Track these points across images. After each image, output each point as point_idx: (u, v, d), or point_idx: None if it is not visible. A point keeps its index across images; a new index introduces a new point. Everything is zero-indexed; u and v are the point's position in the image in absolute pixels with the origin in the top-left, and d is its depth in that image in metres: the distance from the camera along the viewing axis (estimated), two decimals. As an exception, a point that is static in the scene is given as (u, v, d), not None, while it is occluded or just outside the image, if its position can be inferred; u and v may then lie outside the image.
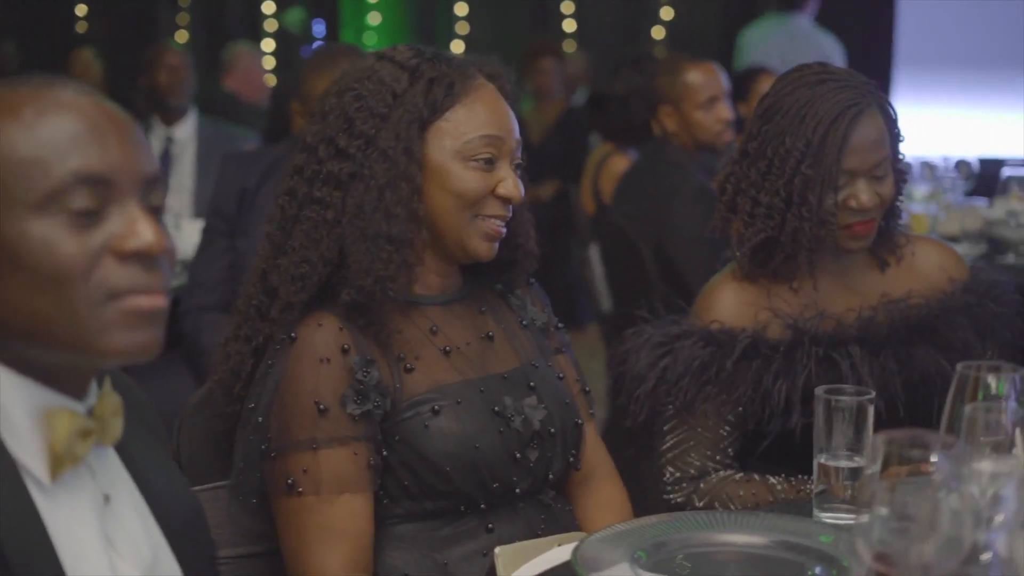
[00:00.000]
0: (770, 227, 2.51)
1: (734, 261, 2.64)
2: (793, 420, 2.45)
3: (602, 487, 2.41)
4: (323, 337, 2.10)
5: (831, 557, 1.90)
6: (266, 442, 2.09)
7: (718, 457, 2.53)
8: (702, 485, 2.52)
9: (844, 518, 2.11)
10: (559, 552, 2.04)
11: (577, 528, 2.29)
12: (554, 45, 8.72)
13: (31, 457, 1.43)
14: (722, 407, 2.50)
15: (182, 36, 10.62)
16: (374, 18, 10.84)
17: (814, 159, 2.47)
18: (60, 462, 1.44)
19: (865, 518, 1.50)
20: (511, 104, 2.25)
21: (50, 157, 1.40)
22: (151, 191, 1.47)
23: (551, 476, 2.27)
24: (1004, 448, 1.77)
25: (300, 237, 2.14)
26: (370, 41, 10.80)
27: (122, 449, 1.57)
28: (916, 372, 2.49)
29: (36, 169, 1.39)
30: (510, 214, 2.22)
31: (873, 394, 2.13)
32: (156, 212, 1.47)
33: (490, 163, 2.18)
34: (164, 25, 10.66)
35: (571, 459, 2.31)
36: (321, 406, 2.07)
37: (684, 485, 2.53)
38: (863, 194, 2.48)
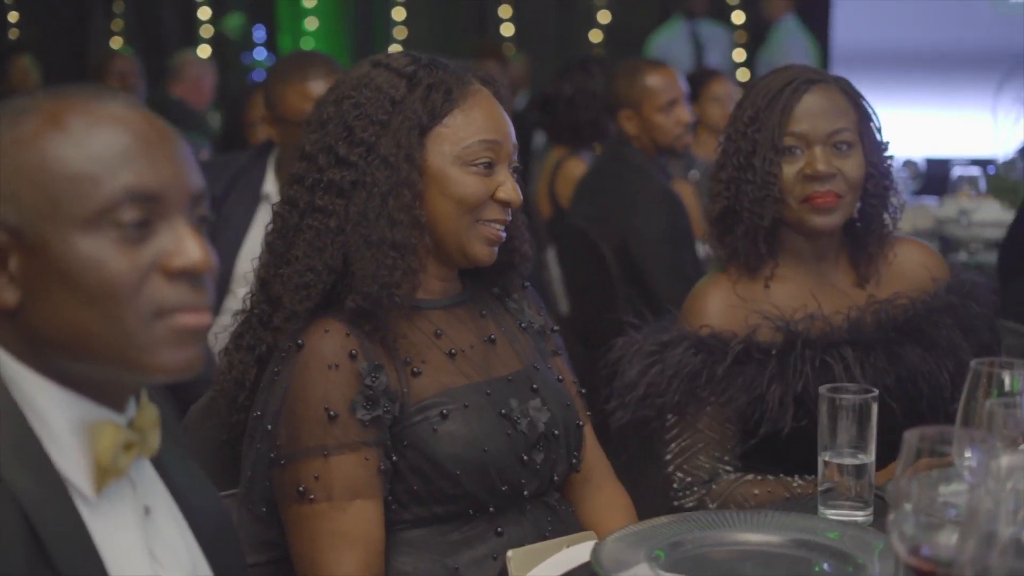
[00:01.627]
0: (725, 197, 2.55)
1: (715, 265, 2.66)
2: (784, 423, 2.47)
3: (604, 488, 2.42)
4: (331, 343, 2.10)
5: (845, 554, 1.93)
6: (275, 450, 2.09)
7: (726, 457, 2.54)
8: (714, 487, 2.52)
9: (849, 515, 2.14)
10: (570, 553, 2.06)
11: (581, 528, 2.30)
12: (497, 48, 8.75)
13: (76, 470, 1.42)
14: (720, 409, 2.52)
15: (116, 42, 10.51)
16: (311, 23, 10.80)
17: (761, 123, 2.52)
18: (105, 475, 1.43)
19: (899, 512, 1.53)
20: (506, 108, 2.27)
21: (101, 173, 1.39)
22: (197, 206, 1.46)
23: (556, 478, 2.28)
24: (1016, 443, 1.80)
25: (303, 246, 2.14)
26: (307, 46, 10.75)
27: (156, 460, 1.57)
28: (906, 371, 2.52)
29: (87, 185, 1.38)
30: (510, 218, 2.24)
31: (876, 392, 2.15)
32: (202, 223, 1.47)
33: (489, 167, 2.19)
34: (98, 31, 10.54)
35: (574, 461, 2.32)
36: (331, 412, 2.07)
37: (696, 489, 2.53)
38: (819, 162, 2.50)
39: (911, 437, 1.54)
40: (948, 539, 1.51)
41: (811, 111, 2.52)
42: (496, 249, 2.24)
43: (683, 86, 4.83)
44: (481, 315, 2.31)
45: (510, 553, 2.06)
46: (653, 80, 4.76)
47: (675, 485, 2.55)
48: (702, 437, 2.54)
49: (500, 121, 2.22)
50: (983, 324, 2.64)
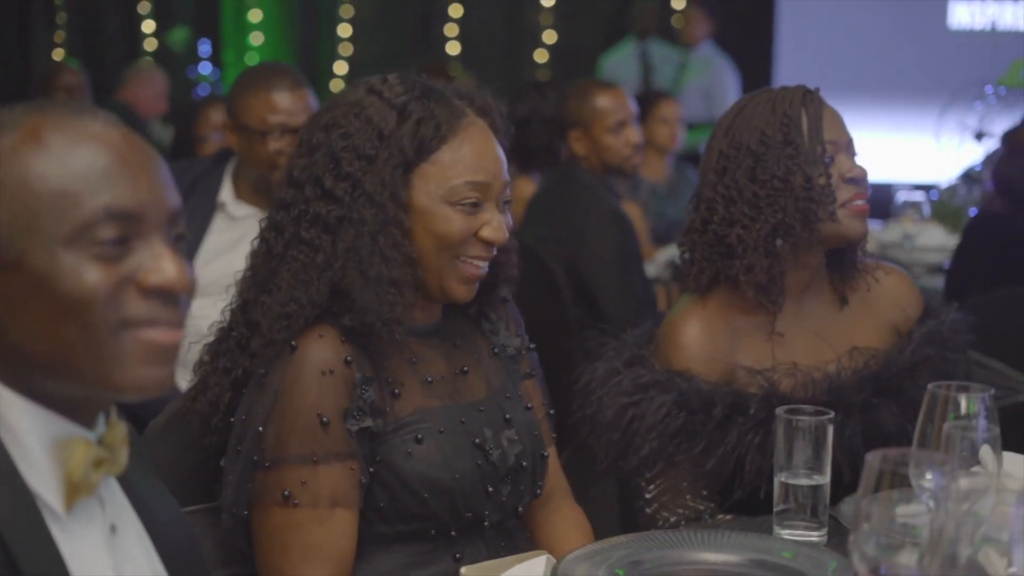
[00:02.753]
0: (775, 212, 2.49)
1: (688, 294, 2.62)
2: (760, 486, 2.44)
3: (562, 509, 2.44)
4: (325, 349, 2.09)
5: (800, 573, 1.96)
6: (260, 452, 2.08)
7: (705, 492, 2.50)
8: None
9: (804, 535, 2.16)
10: (523, 568, 2.06)
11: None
12: (443, 67, 8.76)
13: (46, 487, 1.42)
14: (698, 461, 2.48)
15: (58, 54, 10.43)
16: (256, 38, 10.76)
17: (798, 131, 2.51)
18: (76, 491, 1.43)
19: (859, 533, 1.55)
20: (501, 139, 2.23)
21: (81, 191, 1.39)
22: (175, 225, 1.47)
23: (520, 509, 2.29)
24: (969, 465, 1.83)
25: (288, 277, 2.13)
26: (252, 61, 10.70)
27: (122, 477, 1.57)
28: (880, 435, 2.48)
29: (67, 202, 1.38)
30: (493, 254, 2.21)
31: (832, 414, 2.18)
32: (179, 242, 1.47)
33: (475, 206, 2.17)
34: (40, 43, 10.45)
35: (538, 491, 2.33)
36: (324, 419, 2.07)
37: (683, 526, 2.48)
38: (855, 167, 2.54)
39: (873, 459, 1.57)
40: (908, 559, 1.54)
41: (833, 120, 2.55)
42: (475, 287, 2.22)
43: (633, 107, 4.86)
44: (455, 346, 2.29)
45: (464, 570, 2.07)
46: (603, 101, 4.79)
47: (660, 524, 2.50)
48: (685, 477, 2.49)
49: (491, 159, 2.19)
50: (959, 372, 2.63)
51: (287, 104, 3.61)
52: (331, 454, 2.07)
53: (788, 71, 9.51)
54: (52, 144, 1.40)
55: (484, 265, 2.20)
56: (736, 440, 2.45)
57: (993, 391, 1.86)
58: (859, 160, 2.58)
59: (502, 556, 2.21)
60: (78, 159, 1.40)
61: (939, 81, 7.10)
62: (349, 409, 2.08)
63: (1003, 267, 4.02)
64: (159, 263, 1.42)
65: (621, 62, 9.03)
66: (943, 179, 6.03)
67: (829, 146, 2.52)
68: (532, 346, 2.44)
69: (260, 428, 2.08)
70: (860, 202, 2.55)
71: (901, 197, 5.21)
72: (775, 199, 2.50)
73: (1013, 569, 1.44)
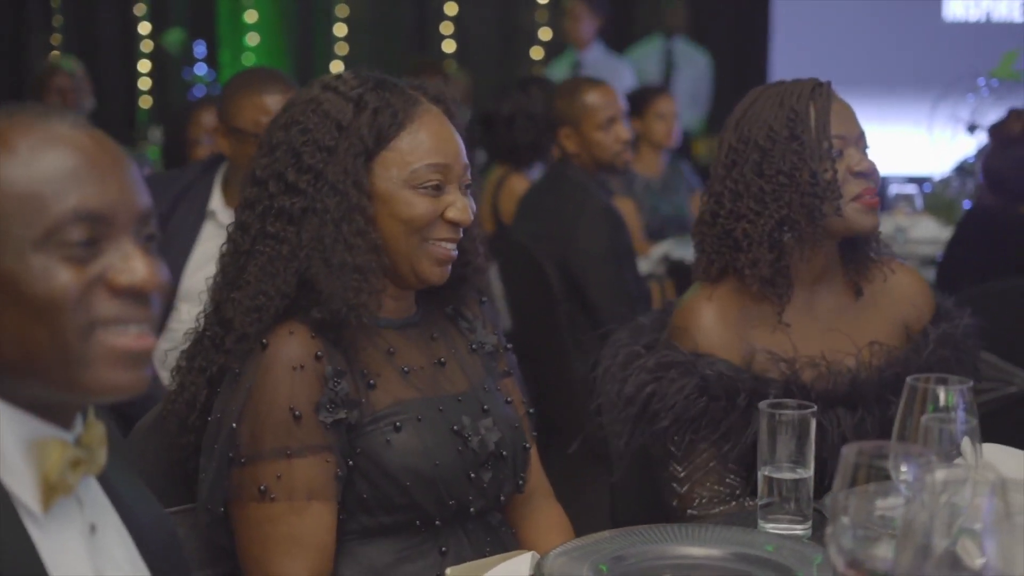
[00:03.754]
0: (780, 207, 2.50)
1: (700, 283, 2.63)
2: None
3: (544, 508, 2.45)
4: (296, 345, 2.12)
5: (784, 567, 1.96)
6: (235, 449, 2.10)
7: (734, 469, 2.49)
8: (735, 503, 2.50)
9: (789, 528, 2.16)
10: (507, 567, 2.07)
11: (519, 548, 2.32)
12: (436, 64, 8.75)
13: (23, 488, 1.43)
14: (720, 445, 2.49)
15: (55, 56, 10.41)
16: (252, 39, 10.75)
17: (804, 126, 2.51)
18: (53, 492, 1.44)
19: (837, 526, 1.56)
20: (458, 125, 2.28)
21: (49, 194, 1.40)
22: (145, 226, 1.48)
23: (502, 498, 2.30)
24: (952, 457, 1.84)
25: (255, 271, 2.16)
26: (248, 61, 10.71)
27: (102, 477, 1.57)
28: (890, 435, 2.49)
29: (35, 205, 1.39)
30: (460, 236, 2.25)
31: (815, 407, 2.18)
32: (150, 242, 1.48)
33: (438, 189, 2.21)
34: (36, 46, 10.45)
35: (520, 482, 2.34)
36: (296, 413, 2.09)
37: (721, 501, 2.49)
38: (864, 161, 2.54)
39: (849, 452, 1.57)
40: (885, 552, 1.54)
41: (842, 113, 2.55)
42: (448, 268, 2.25)
43: (622, 103, 4.86)
44: (432, 338, 2.32)
45: (449, 570, 2.08)
46: (592, 98, 4.80)
47: (696, 503, 2.50)
48: (712, 456, 2.50)
49: (449, 142, 2.24)
50: (968, 375, 2.58)
51: (279, 107, 3.62)
52: (305, 447, 2.09)
53: (783, 64, 9.50)
54: (19, 148, 1.41)
55: (453, 247, 2.23)
56: (755, 426, 2.42)
57: (972, 383, 1.86)
58: (870, 154, 2.58)
59: (486, 552, 2.23)
60: (45, 162, 1.41)
61: (934, 73, 7.10)
62: (321, 402, 2.10)
63: (994, 260, 4.02)
64: (129, 263, 1.43)
65: (645, 58, 9.00)
66: (937, 172, 6.02)
67: (837, 140, 2.53)
68: (509, 346, 2.48)
69: (234, 425, 2.10)
70: (869, 196, 2.55)
71: (893, 190, 5.20)
72: (780, 194, 2.52)
73: (983, 560, 1.44)
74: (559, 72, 8.71)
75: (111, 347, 1.43)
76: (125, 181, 1.46)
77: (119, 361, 1.43)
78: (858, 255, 2.66)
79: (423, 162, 2.19)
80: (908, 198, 5.12)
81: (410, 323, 2.30)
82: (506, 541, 2.32)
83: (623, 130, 4.80)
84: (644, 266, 5.13)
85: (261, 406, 2.10)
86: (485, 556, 2.20)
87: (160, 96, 10.55)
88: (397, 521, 2.18)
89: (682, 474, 2.52)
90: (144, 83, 10.64)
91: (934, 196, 5.61)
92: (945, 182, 5.63)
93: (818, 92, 2.55)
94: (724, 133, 2.62)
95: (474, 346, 2.39)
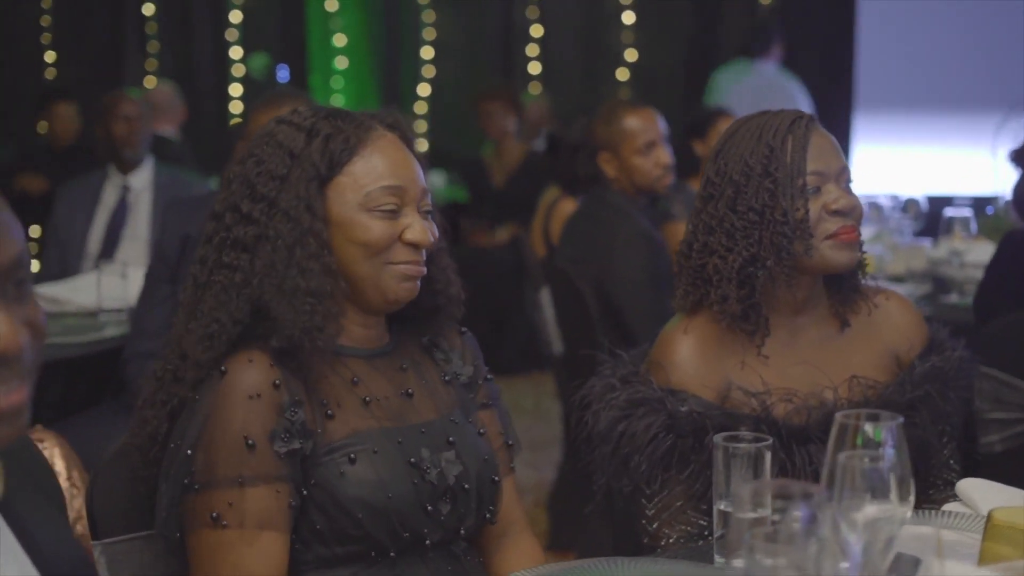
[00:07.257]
0: (750, 245, 2.47)
1: (677, 315, 2.61)
2: None
3: (518, 541, 2.44)
4: (254, 373, 2.13)
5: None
6: (190, 476, 2.11)
7: (704, 507, 2.46)
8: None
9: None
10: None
11: (484, 577, 2.32)
12: (502, 90, 8.77)
13: None
14: (689, 482, 2.47)
15: (151, 82, 10.65)
16: (341, 62, 10.90)
17: (777, 163, 2.47)
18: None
19: (740, 564, 1.54)
20: (414, 152, 2.29)
21: None
22: (11, 277, 1.47)
23: (463, 531, 2.29)
24: (882, 494, 1.80)
25: (210, 301, 2.18)
26: (337, 85, 10.87)
27: (5, 506, 1.60)
28: None
29: None
30: (423, 258, 2.25)
31: (770, 440, 2.15)
32: (21, 286, 1.49)
33: (394, 212, 2.22)
34: (132, 71, 10.70)
35: (488, 515, 2.33)
36: (249, 441, 2.10)
37: (684, 541, 2.47)
38: (841, 198, 2.49)
39: (744, 491, 1.56)
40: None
41: (822, 148, 2.50)
42: (418, 284, 2.26)
43: (662, 127, 4.83)
44: (402, 368, 2.32)
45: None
46: (631, 122, 4.77)
47: (663, 542, 2.48)
48: (681, 495, 2.48)
49: (403, 166, 2.25)
50: (957, 411, 2.59)
51: None
52: (258, 476, 2.10)
53: (868, 89, 9.40)
54: None
55: (419, 264, 2.24)
56: None
57: (902, 420, 1.82)
58: (850, 190, 2.53)
59: (450, 581, 2.23)
60: None
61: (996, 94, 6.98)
62: (275, 431, 2.11)
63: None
64: None
65: (732, 80, 8.95)
66: (1002, 194, 5.91)
67: (814, 177, 2.49)
68: (489, 377, 2.47)
69: (189, 451, 2.12)
70: (845, 234, 2.50)
71: (948, 212, 5.10)
72: (750, 232, 2.49)
73: None
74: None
75: None
76: None
77: None
78: (844, 286, 2.62)
79: (377, 184, 2.21)
80: (963, 221, 5.01)
81: (380, 353, 2.31)
82: (470, 570, 2.31)
83: (663, 154, 4.77)
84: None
85: (216, 433, 2.11)
86: (444, 585, 2.22)
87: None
88: (352, 552, 2.18)
89: (651, 512, 2.50)
90: (235, 107, 10.84)
91: (996, 219, 5.49)
92: (1008, 205, 5.51)
93: (797, 125, 2.51)
94: (707, 164, 2.60)
95: (447, 377, 2.38)
